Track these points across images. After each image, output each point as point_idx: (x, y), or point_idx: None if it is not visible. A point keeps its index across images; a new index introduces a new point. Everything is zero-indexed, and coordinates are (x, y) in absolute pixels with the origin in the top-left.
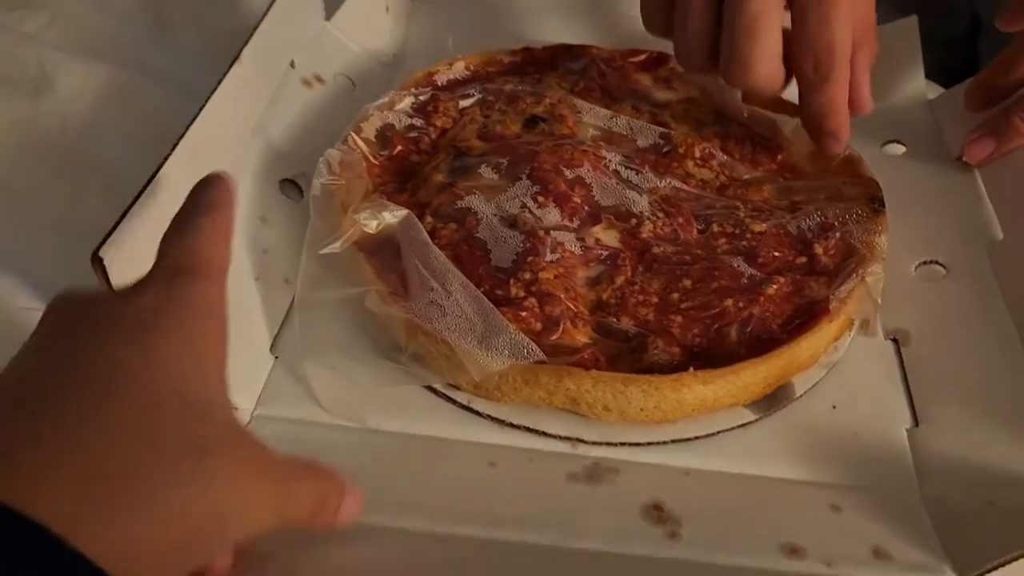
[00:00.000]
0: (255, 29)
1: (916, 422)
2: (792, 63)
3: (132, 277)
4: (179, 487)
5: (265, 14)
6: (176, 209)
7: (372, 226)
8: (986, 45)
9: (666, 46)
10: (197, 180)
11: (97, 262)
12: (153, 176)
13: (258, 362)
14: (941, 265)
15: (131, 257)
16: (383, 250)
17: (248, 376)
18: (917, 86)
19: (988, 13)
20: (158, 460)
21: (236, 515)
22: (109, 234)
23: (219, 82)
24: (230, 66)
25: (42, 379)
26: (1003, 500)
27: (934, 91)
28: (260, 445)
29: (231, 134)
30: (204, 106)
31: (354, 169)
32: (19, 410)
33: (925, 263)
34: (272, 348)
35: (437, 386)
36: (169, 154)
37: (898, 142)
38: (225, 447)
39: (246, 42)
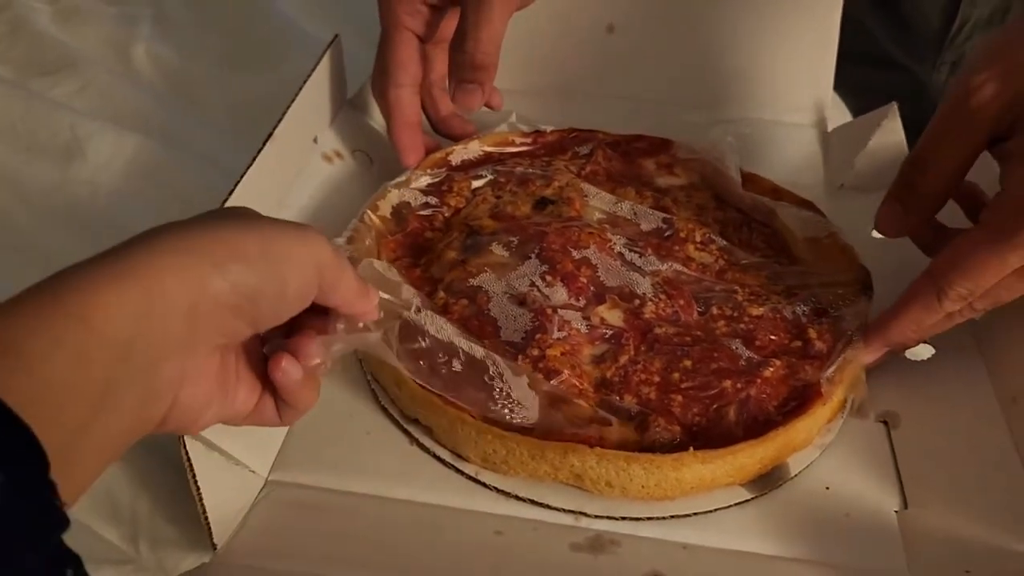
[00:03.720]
0: (288, 108)
1: (905, 503)
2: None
3: None
4: None
5: (298, 93)
6: None
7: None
8: None
9: (669, 133)
10: None
11: None
12: None
13: (274, 429)
14: (929, 344)
15: None
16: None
17: (264, 442)
18: None
19: None
20: None
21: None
22: None
23: (253, 159)
24: (264, 143)
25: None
26: (979, 570)
27: None
28: None
29: (262, 206)
30: (240, 180)
31: (367, 244)
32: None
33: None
34: None
35: (445, 457)
36: None
37: None
38: None
39: (279, 120)
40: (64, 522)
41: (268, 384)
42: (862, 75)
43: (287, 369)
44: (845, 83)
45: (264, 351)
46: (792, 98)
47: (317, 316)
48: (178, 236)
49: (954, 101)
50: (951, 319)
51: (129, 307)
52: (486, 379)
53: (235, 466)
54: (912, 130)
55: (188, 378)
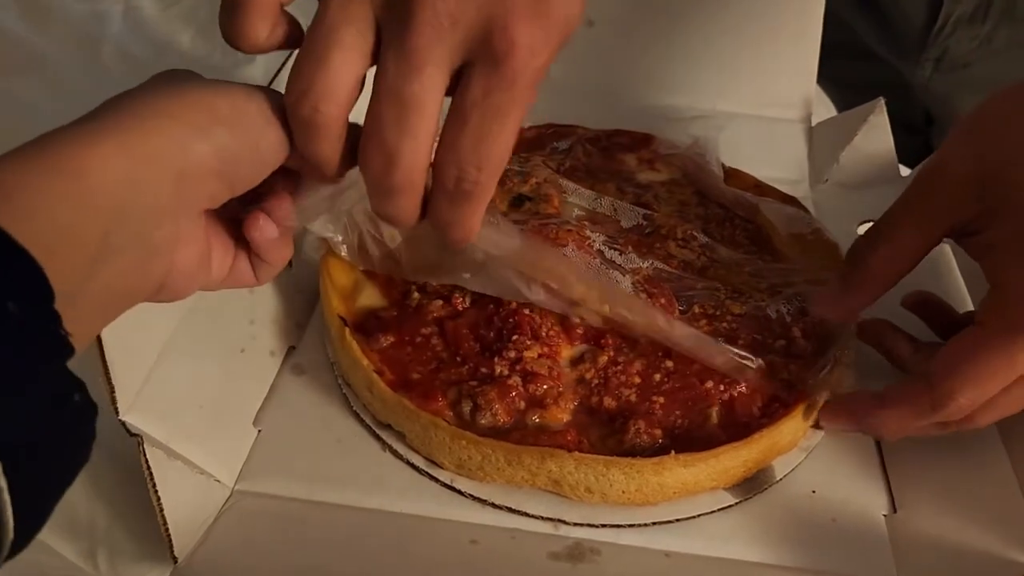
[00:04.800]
0: None
1: (894, 506)
2: (434, 164)
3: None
4: None
5: (269, 85)
6: None
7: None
8: (938, 138)
9: (650, 128)
10: None
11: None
12: None
13: (240, 436)
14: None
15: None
16: (367, 325)
17: (230, 450)
18: (889, 166)
19: (937, 108)
20: None
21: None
22: None
23: None
24: None
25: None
26: (969, 572)
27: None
28: None
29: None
30: None
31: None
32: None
33: None
34: (255, 422)
35: (419, 464)
36: None
37: (873, 221)
38: None
39: None
40: (70, 350)
41: (241, 244)
42: (846, 69)
43: (263, 227)
44: (829, 77)
45: (242, 214)
46: (775, 92)
47: (288, 179)
48: (156, 98)
49: (922, 176)
50: (943, 428)
51: (120, 173)
52: None
53: (198, 475)
54: (897, 125)
55: (181, 240)
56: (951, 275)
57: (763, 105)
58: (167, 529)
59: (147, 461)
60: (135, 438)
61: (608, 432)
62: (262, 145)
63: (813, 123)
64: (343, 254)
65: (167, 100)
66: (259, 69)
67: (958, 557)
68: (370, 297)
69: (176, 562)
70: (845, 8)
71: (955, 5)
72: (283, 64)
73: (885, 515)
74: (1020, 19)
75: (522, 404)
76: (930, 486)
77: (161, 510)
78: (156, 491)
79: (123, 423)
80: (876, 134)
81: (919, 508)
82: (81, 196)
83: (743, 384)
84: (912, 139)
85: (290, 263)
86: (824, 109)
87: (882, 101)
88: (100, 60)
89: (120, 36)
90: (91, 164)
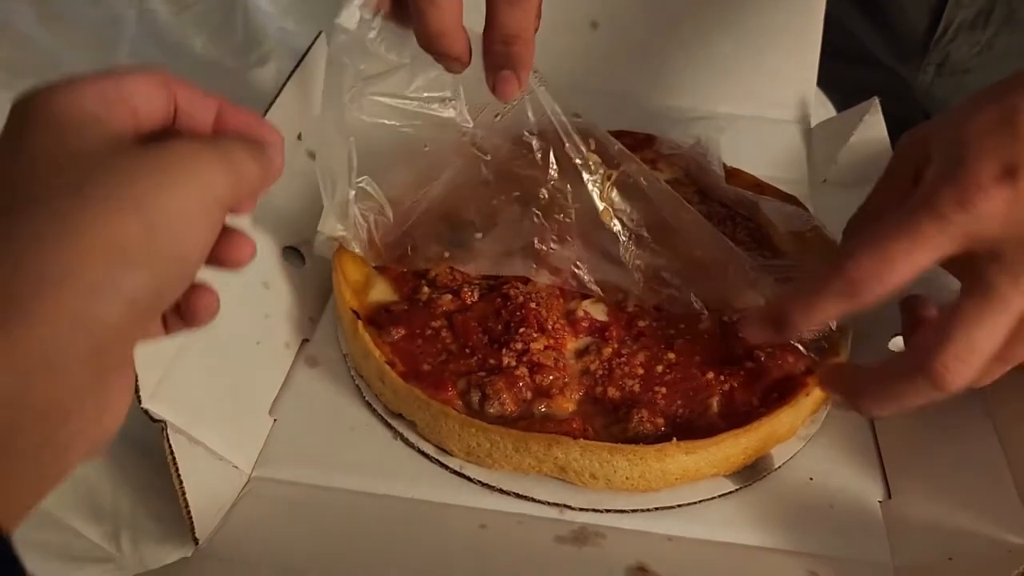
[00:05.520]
0: (271, 104)
1: (888, 492)
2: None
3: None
4: None
5: (281, 89)
6: None
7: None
8: None
9: (653, 128)
10: None
11: None
12: None
13: (257, 424)
14: None
15: None
16: (378, 319)
17: (247, 438)
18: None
19: (937, 113)
20: None
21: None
22: None
23: None
24: None
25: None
26: (961, 556)
27: None
28: None
29: None
30: None
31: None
32: None
33: (899, 334)
34: (271, 411)
35: (430, 452)
36: None
37: None
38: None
39: (263, 115)
40: None
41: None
42: (848, 73)
43: (211, 306)
44: (831, 81)
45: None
46: (775, 94)
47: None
48: (44, 254)
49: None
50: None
51: (18, 367)
52: None
53: (218, 461)
54: (897, 129)
55: (107, 409)
56: None
57: (764, 106)
58: (189, 512)
59: (170, 446)
60: (159, 424)
61: (612, 421)
62: (192, 255)
63: (812, 124)
64: (356, 250)
65: (59, 247)
66: (270, 72)
67: (951, 541)
68: (381, 292)
69: (197, 544)
70: (846, 13)
71: (957, 11)
72: (296, 66)
73: (880, 501)
74: (1021, 26)
75: (529, 394)
76: (923, 473)
77: (183, 494)
78: (179, 475)
79: (146, 411)
80: (871, 133)
81: (913, 494)
82: None
83: (744, 375)
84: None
85: (303, 260)
86: (825, 112)
87: (877, 100)
88: (115, 62)
89: (134, 40)
90: None
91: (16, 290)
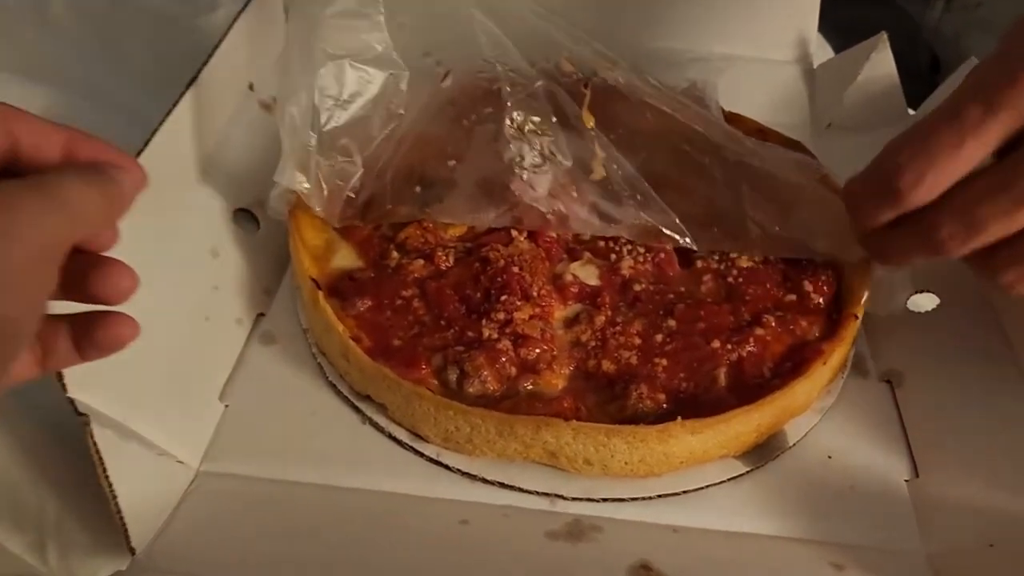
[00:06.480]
0: (215, 49)
1: (916, 470)
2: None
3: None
4: None
5: (225, 34)
6: None
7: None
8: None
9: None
10: (142, 209)
11: None
12: None
13: (205, 412)
14: (932, 294)
15: None
16: (341, 288)
17: (194, 428)
18: (896, 105)
19: (945, 52)
20: None
21: None
22: None
23: (174, 105)
24: (186, 88)
25: None
26: (1003, 543)
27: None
28: None
29: (184, 161)
30: (156, 130)
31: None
32: None
33: (917, 292)
34: (222, 396)
35: (402, 438)
36: None
37: None
38: None
39: (205, 63)
40: None
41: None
42: (850, 13)
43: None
44: (832, 22)
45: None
46: (775, 34)
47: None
48: None
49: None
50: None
51: None
52: None
53: (158, 456)
54: (905, 72)
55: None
56: None
57: (763, 47)
58: (122, 518)
59: (95, 444)
60: (82, 418)
61: (607, 398)
62: (22, 316)
63: (814, 65)
64: (316, 208)
65: None
66: (219, 18)
67: (989, 523)
68: (345, 257)
69: (134, 554)
70: None
71: None
72: (243, 8)
73: (907, 480)
74: None
75: (513, 370)
76: (954, 447)
77: (114, 497)
78: (107, 476)
79: (71, 400)
80: (880, 71)
81: (943, 472)
82: None
83: (753, 343)
84: (916, 86)
85: (257, 224)
86: (824, 55)
87: (884, 36)
88: (49, 11)
89: None
90: None
91: None
